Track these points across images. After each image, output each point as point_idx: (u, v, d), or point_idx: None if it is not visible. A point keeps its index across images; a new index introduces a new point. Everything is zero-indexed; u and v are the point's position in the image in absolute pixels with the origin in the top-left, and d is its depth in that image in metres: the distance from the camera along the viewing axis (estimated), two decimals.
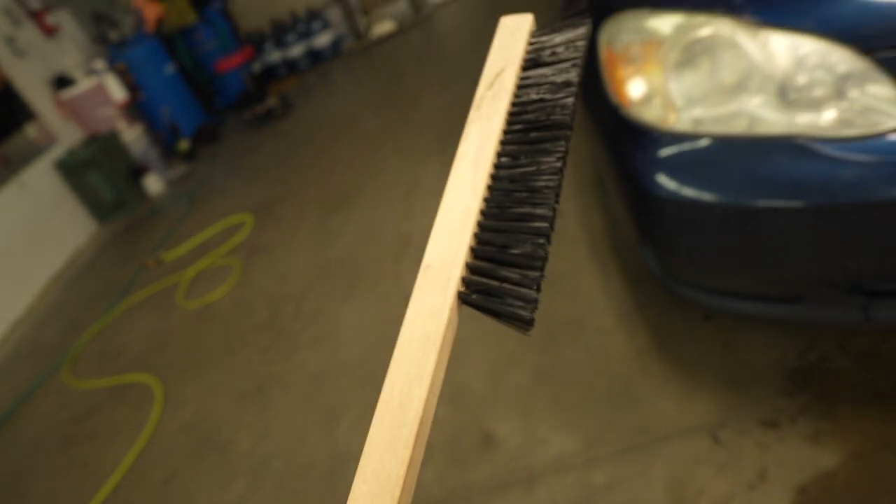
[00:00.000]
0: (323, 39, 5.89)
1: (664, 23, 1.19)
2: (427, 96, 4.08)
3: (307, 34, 5.83)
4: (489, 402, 1.78)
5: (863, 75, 0.97)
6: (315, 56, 5.95)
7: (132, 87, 4.75)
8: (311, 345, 2.32)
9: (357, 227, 2.95)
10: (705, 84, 1.14)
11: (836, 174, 1.00)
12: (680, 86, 1.17)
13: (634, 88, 1.25)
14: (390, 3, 6.06)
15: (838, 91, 1.00)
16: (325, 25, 5.91)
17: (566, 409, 1.65)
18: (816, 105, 1.02)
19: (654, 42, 1.20)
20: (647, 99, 1.23)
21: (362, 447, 0.33)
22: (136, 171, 4.64)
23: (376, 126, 4.00)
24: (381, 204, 3.04)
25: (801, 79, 1.02)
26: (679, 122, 1.18)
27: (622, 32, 1.27)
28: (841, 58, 0.98)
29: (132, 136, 4.73)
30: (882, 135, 0.98)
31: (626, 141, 1.28)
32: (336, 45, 6.02)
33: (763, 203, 1.08)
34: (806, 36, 1.01)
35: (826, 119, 1.01)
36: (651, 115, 1.22)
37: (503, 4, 5.41)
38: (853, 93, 0.99)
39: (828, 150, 1.01)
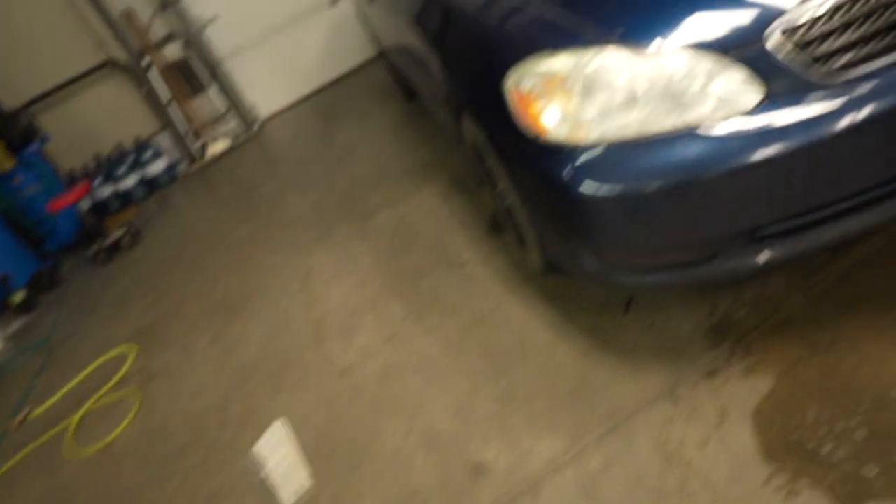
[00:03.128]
0: (157, 167, 5.76)
1: (562, 61, 1.48)
2: (289, 198, 4.17)
3: (139, 164, 5.66)
4: (464, 437, 1.85)
5: (722, 71, 1.32)
6: (151, 184, 5.77)
7: None
8: (254, 444, 2.21)
9: (262, 327, 2.89)
10: (608, 103, 1.43)
11: (721, 147, 1.33)
12: (587, 108, 1.46)
13: (548, 118, 1.51)
14: (220, 123, 6.14)
15: (707, 87, 1.34)
16: (158, 153, 5.80)
17: (539, 418, 1.79)
18: (696, 101, 1.35)
19: (557, 78, 1.49)
20: (560, 123, 1.50)
21: None
22: None
23: (245, 233, 3.98)
24: (280, 299, 3.03)
25: (681, 83, 1.35)
26: (590, 136, 1.46)
27: (527, 76, 1.55)
28: (705, 61, 1.33)
29: None
30: (745, 112, 1.33)
31: (550, 162, 1.52)
32: (171, 170, 5.91)
33: (674, 182, 1.37)
34: (679, 50, 1.36)
35: (706, 108, 1.34)
36: (566, 135, 1.49)
37: (333, 109, 5.74)
38: (717, 85, 1.33)
39: (712, 132, 1.33)
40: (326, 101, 5.87)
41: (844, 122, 1.26)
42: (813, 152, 1.28)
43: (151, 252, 4.54)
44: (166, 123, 5.92)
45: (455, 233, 2.80)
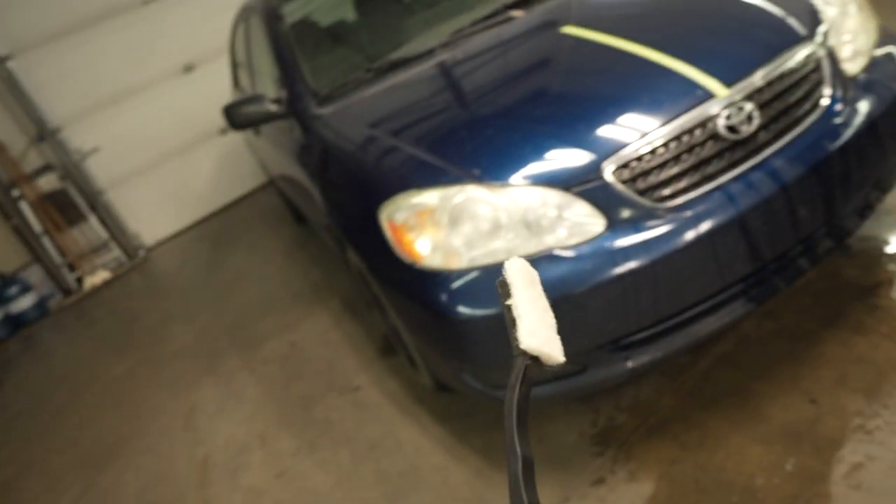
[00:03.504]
0: (24, 303, 5.32)
1: (430, 196, 1.60)
2: (174, 330, 3.97)
3: (2, 300, 5.21)
4: None
5: (570, 203, 1.48)
6: (16, 322, 5.30)
7: None
8: None
9: (140, 474, 2.64)
10: (473, 232, 1.55)
11: (577, 268, 1.46)
12: (455, 237, 1.57)
13: (421, 247, 1.61)
14: (100, 253, 5.85)
15: (560, 216, 1.49)
16: (26, 288, 5.38)
17: None
18: (550, 228, 1.49)
19: (427, 211, 1.60)
20: (433, 252, 1.59)
21: None
22: None
23: (123, 370, 3.71)
24: (160, 442, 2.80)
25: (536, 213, 1.50)
26: (461, 263, 1.56)
27: (399, 210, 1.65)
28: (553, 195, 1.49)
29: None
30: (593, 238, 1.48)
31: (426, 287, 1.60)
32: (41, 305, 5.48)
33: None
34: (529, 187, 1.51)
35: (560, 235, 1.49)
36: (440, 262, 1.58)
37: (224, 235, 5.69)
38: (568, 215, 1.49)
39: (568, 254, 1.47)
40: (217, 228, 5.80)
41: (676, 243, 1.44)
42: (653, 270, 1.44)
43: (10, 399, 4.09)
44: (37, 256, 5.56)
45: (347, 357, 2.78)
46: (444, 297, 1.55)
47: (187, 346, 3.63)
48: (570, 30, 1.95)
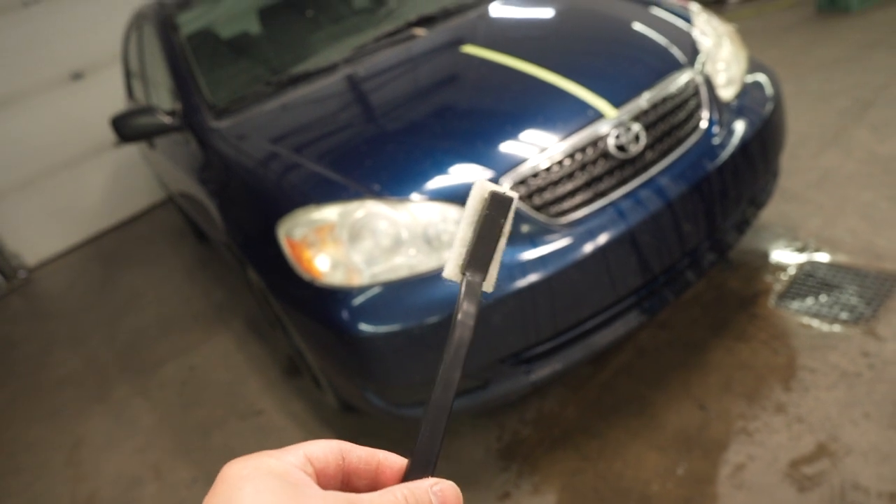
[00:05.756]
0: None
1: (329, 212, 1.57)
2: (58, 356, 3.67)
3: None
4: None
5: None
6: None
7: None
8: None
9: None
10: (374, 248, 1.53)
11: None
12: (356, 254, 1.54)
13: (321, 263, 1.56)
14: None
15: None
16: None
17: None
18: (451, 244, 1.49)
19: (326, 227, 1.56)
20: (333, 268, 1.55)
21: None
22: None
23: None
24: (36, 480, 2.56)
25: (436, 229, 1.50)
26: (363, 279, 1.53)
27: (297, 226, 1.60)
28: (453, 211, 1.50)
29: None
30: None
31: (326, 305, 1.56)
32: None
33: (436, 318, 1.47)
34: (429, 202, 1.51)
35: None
36: (340, 279, 1.54)
37: (119, 253, 5.35)
38: None
39: None
40: (111, 246, 5.43)
41: (572, 257, 1.48)
42: (550, 284, 1.47)
43: None
44: None
45: (250, 379, 2.66)
46: (345, 315, 1.52)
47: (73, 372, 3.36)
48: (471, 49, 1.98)
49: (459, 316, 0.39)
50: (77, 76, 5.48)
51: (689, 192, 1.62)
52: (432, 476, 0.37)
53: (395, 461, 0.39)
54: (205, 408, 2.60)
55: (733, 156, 1.73)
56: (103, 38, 5.02)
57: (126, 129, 2.31)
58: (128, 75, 4.02)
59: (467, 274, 0.40)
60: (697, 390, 1.82)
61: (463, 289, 0.40)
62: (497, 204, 0.39)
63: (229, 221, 1.98)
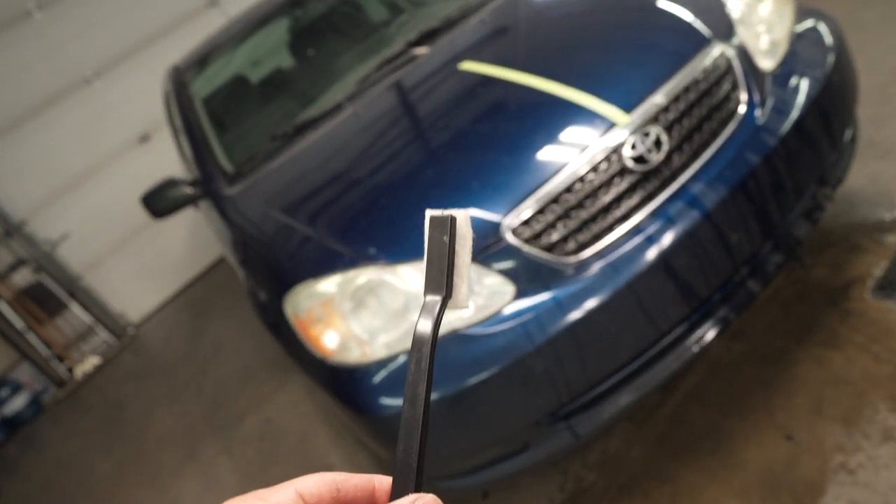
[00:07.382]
0: (17, 404, 5.25)
1: (329, 284, 1.46)
2: (156, 416, 3.86)
3: None
4: None
5: (479, 274, 1.33)
6: (11, 423, 5.23)
7: None
8: None
9: None
10: (379, 317, 1.40)
11: (489, 347, 1.30)
12: (361, 325, 1.42)
13: (329, 340, 1.46)
14: (87, 339, 5.77)
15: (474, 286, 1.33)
16: (17, 388, 5.31)
17: None
18: None
19: (328, 300, 1.46)
20: (342, 344, 1.44)
21: None
22: None
23: (107, 469, 3.60)
24: None
25: None
26: (375, 352, 1.41)
27: (301, 301, 1.50)
28: None
29: None
30: (501, 309, 1.32)
31: (342, 384, 1.45)
32: (36, 402, 5.40)
33: (462, 384, 1.32)
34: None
35: (469, 311, 1.33)
36: (351, 355, 1.43)
37: (202, 303, 5.57)
38: (479, 288, 1.33)
39: (478, 332, 1.31)
40: (197, 295, 5.69)
41: (593, 301, 1.28)
42: (572, 334, 1.28)
43: None
44: (24, 353, 5.49)
45: (319, 430, 2.64)
46: (363, 393, 1.41)
47: (168, 433, 3.51)
48: (468, 66, 1.79)
49: (415, 334, 0.41)
50: (144, 138, 5.77)
51: (731, 195, 1.36)
52: (414, 492, 0.37)
53: (390, 484, 0.40)
54: (280, 464, 2.61)
55: (785, 138, 1.44)
56: (160, 98, 5.24)
57: (156, 205, 2.33)
58: (175, 134, 4.14)
59: (427, 297, 0.41)
60: (782, 415, 1.56)
61: (420, 310, 0.41)
62: (437, 225, 0.42)
63: (254, 297, 1.93)
